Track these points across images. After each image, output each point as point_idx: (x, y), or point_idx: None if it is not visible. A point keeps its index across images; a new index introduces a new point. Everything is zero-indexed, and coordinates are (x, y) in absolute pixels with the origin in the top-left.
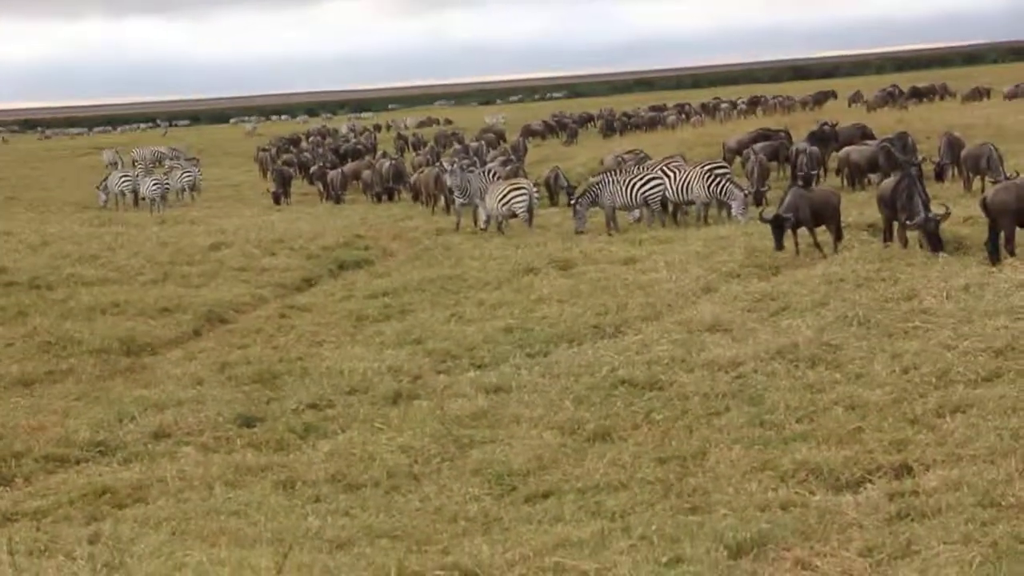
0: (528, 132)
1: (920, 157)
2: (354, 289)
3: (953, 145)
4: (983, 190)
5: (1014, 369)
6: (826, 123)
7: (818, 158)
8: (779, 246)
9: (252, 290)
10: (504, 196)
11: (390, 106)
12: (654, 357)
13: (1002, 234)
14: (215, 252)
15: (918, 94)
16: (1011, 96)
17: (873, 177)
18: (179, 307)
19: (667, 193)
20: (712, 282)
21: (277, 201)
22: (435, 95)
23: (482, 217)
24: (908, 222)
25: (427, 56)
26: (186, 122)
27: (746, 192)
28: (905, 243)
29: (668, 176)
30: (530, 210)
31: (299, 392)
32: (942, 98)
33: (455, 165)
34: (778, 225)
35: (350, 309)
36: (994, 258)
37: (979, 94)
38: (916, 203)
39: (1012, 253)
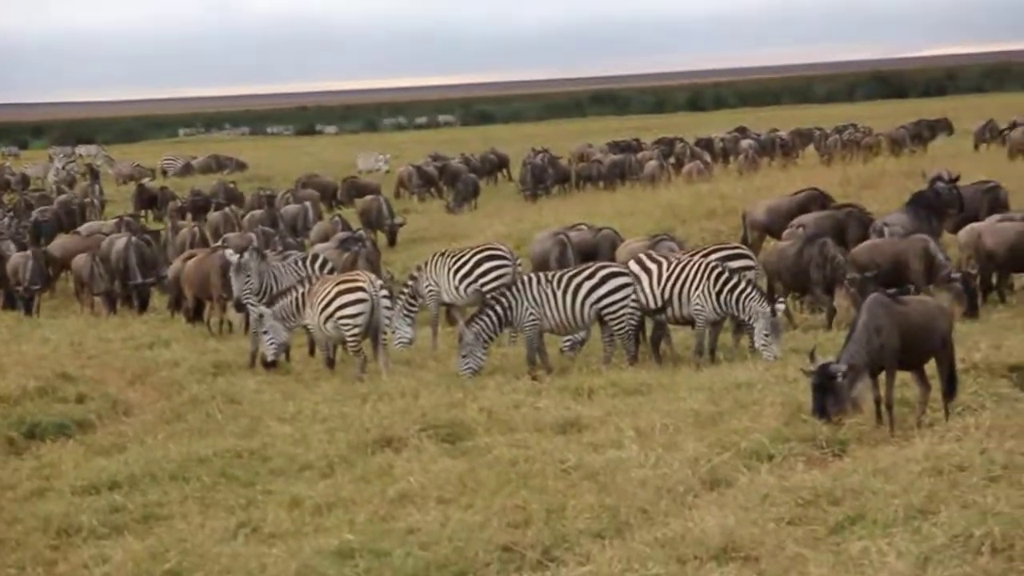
0: (402, 183)
1: None
2: (55, 477)
3: None
4: None
5: None
6: (941, 177)
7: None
8: (821, 412)
9: None
10: (328, 304)
11: (182, 132)
12: None
13: None
14: None
15: None
16: None
17: None
18: None
19: (644, 300)
20: (722, 468)
21: None
22: (223, 114)
23: (271, 341)
24: None
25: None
26: None
27: (774, 307)
28: None
29: (647, 272)
30: (375, 330)
31: None
32: None
33: (249, 250)
34: (824, 384)
35: (47, 514)
36: None
37: None
38: None
39: None
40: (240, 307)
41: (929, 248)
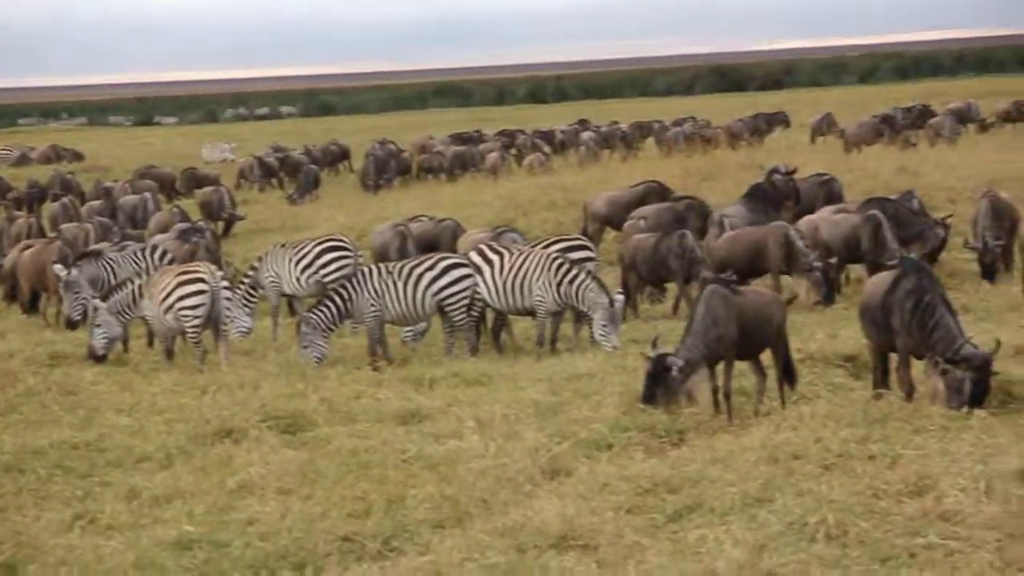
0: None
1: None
2: None
3: (1001, 214)
4: None
5: None
6: (778, 170)
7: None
8: (650, 400)
9: None
10: (168, 296)
11: (21, 122)
12: None
13: None
14: None
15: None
16: None
17: (859, 268)
18: None
19: (485, 294)
20: (562, 458)
21: None
22: (60, 104)
23: (103, 335)
24: (939, 357)
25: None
26: None
27: (613, 298)
28: (910, 390)
29: (489, 264)
30: (215, 322)
31: None
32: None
33: (77, 265)
34: (657, 373)
35: None
36: None
37: None
38: (948, 328)
39: None
40: (71, 325)
41: (789, 235)
